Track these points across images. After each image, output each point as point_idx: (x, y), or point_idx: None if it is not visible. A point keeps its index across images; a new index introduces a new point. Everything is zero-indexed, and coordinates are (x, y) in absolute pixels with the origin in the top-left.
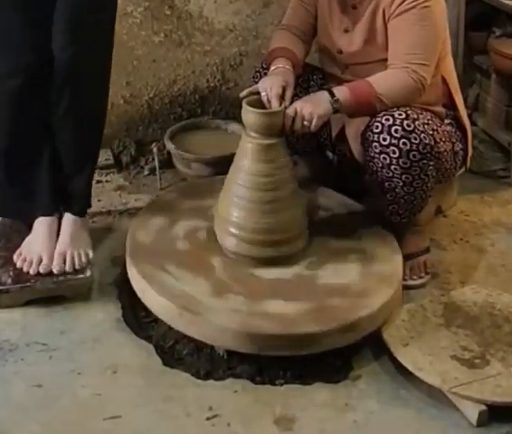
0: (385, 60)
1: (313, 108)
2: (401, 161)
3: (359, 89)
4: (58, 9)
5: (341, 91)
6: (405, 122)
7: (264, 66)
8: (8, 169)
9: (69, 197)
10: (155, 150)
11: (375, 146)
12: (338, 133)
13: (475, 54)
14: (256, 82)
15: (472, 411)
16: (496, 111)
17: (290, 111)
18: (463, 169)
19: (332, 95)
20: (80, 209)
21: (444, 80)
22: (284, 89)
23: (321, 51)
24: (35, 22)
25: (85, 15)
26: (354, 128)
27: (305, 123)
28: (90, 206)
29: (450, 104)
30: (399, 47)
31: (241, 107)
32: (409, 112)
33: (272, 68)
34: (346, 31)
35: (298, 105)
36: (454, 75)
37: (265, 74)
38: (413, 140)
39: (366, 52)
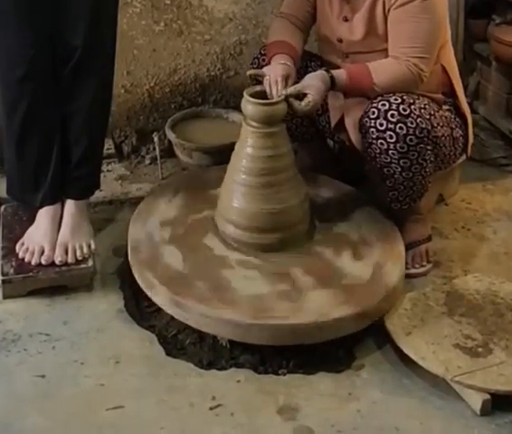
0: (386, 49)
1: (320, 99)
2: (398, 146)
3: (358, 77)
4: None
5: (340, 78)
6: (401, 106)
7: (263, 52)
8: (19, 154)
9: (76, 180)
10: (156, 139)
11: (372, 132)
12: (337, 122)
13: (475, 42)
14: (254, 69)
15: (476, 400)
16: (496, 99)
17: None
18: (464, 157)
19: (331, 78)
20: (89, 189)
21: (444, 69)
22: (286, 79)
23: (321, 39)
24: (34, 15)
25: (100, 6)
26: (353, 118)
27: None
28: (99, 186)
29: (450, 92)
30: (399, 39)
31: (241, 96)
32: (405, 97)
33: (275, 62)
34: (346, 19)
35: (314, 99)
36: (454, 63)
37: (263, 61)
38: (410, 124)
39: (367, 43)
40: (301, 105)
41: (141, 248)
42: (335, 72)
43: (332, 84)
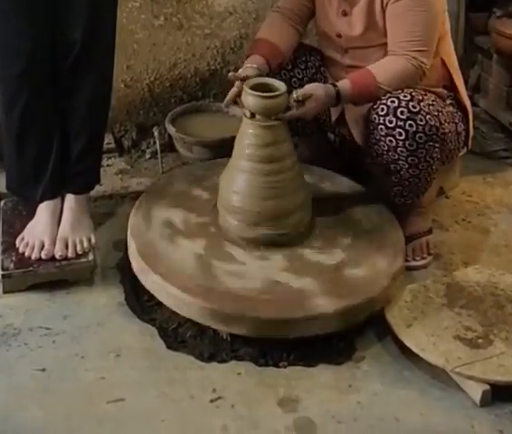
0: (385, 44)
1: (318, 110)
2: (407, 143)
3: (361, 83)
4: None
5: (344, 88)
6: (411, 104)
7: None
8: (19, 149)
9: (76, 175)
10: (156, 134)
11: (381, 129)
12: (338, 116)
13: (476, 35)
14: None
15: (475, 391)
16: (497, 92)
17: (301, 112)
18: (465, 150)
19: (337, 94)
20: (89, 183)
21: (443, 62)
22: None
23: (320, 35)
24: (33, 10)
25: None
26: (353, 113)
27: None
28: (99, 181)
29: (450, 85)
30: (398, 34)
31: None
32: (413, 94)
33: (246, 63)
34: (345, 14)
35: (310, 106)
36: (454, 56)
37: None
38: (419, 122)
39: (367, 37)
40: (294, 109)
41: (140, 239)
42: (339, 84)
43: (338, 96)
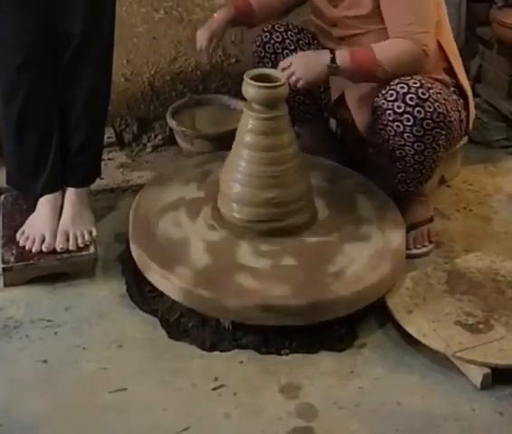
0: (381, 29)
1: (304, 72)
2: (414, 129)
3: (360, 56)
4: None
5: (342, 56)
6: (420, 90)
7: (265, 29)
8: (19, 143)
9: (76, 168)
10: None
11: (389, 114)
12: (338, 98)
13: (477, 25)
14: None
15: (476, 375)
16: (498, 81)
17: (285, 63)
18: (466, 139)
19: (332, 59)
20: (89, 176)
21: (440, 46)
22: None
23: (316, 28)
24: (31, 2)
25: None
26: (353, 95)
27: (291, 80)
28: (99, 174)
29: (450, 71)
30: (397, 20)
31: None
32: (423, 81)
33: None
34: (335, 6)
35: (294, 62)
36: (453, 43)
37: (265, 37)
38: (428, 109)
39: (361, 22)
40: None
41: (141, 230)
42: (337, 55)
43: (334, 68)
